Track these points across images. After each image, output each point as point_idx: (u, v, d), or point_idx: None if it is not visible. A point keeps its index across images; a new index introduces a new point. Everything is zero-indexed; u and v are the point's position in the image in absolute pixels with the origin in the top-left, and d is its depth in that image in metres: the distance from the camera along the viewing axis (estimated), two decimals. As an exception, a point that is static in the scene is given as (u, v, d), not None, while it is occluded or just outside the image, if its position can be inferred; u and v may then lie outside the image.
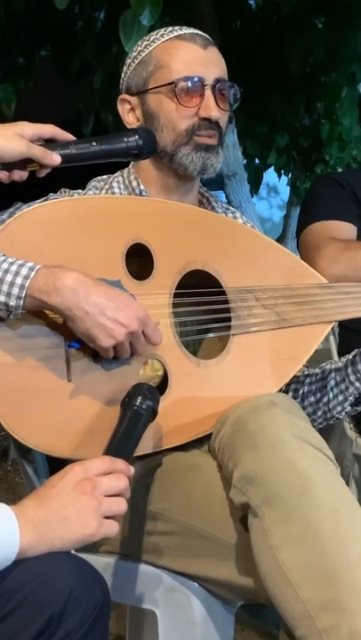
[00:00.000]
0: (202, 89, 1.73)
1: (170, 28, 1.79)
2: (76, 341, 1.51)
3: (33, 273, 1.44)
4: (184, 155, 1.74)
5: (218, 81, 1.74)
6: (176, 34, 1.77)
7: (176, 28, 1.79)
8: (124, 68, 1.84)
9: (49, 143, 1.53)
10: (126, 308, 1.49)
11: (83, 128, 5.25)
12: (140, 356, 1.55)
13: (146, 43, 1.79)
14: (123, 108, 1.83)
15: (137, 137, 1.62)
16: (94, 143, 1.57)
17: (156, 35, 1.79)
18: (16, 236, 1.53)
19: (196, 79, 1.72)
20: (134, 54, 1.81)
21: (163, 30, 1.80)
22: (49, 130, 1.53)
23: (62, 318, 1.49)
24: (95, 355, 1.53)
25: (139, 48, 1.80)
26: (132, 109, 1.81)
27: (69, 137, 1.56)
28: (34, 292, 1.44)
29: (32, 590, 1.21)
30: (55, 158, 1.51)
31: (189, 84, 1.72)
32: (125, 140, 1.61)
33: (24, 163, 1.50)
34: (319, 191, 2.58)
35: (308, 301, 1.73)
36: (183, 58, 1.74)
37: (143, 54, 1.78)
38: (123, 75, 1.84)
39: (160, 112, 1.75)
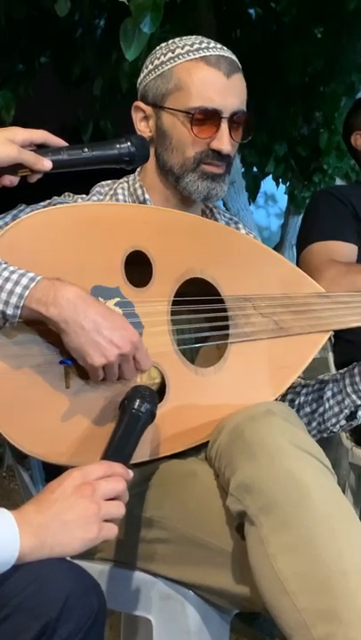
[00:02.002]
0: (218, 121, 1.71)
1: (197, 44, 1.74)
2: (69, 358, 1.50)
3: (33, 283, 1.44)
4: (190, 181, 1.74)
5: (235, 113, 1.72)
6: (202, 54, 1.72)
7: (203, 44, 1.74)
8: (144, 70, 1.80)
9: (41, 149, 1.53)
10: (122, 329, 1.49)
11: (82, 135, 5.25)
12: (127, 381, 1.54)
13: (170, 55, 1.74)
14: (136, 116, 1.81)
15: (129, 144, 1.60)
16: (86, 149, 1.56)
17: (182, 49, 1.74)
18: (16, 242, 1.53)
19: (213, 111, 1.70)
20: (157, 62, 1.76)
21: (189, 44, 1.74)
22: (41, 135, 1.52)
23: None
24: (85, 376, 1.52)
25: (162, 57, 1.76)
26: (146, 118, 1.79)
27: (61, 143, 1.55)
28: (32, 303, 1.44)
29: (28, 596, 1.21)
30: (46, 164, 1.51)
31: (205, 117, 1.70)
32: (118, 146, 1.60)
33: (15, 168, 1.49)
34: (320, 208, 2.58)
35: (306, 310, 1.73)
36: (204, 85, 1.70)
37: (165, 67, 1.74)
38: (141, 77, 1.80)
39: (173, 134, 1.74)
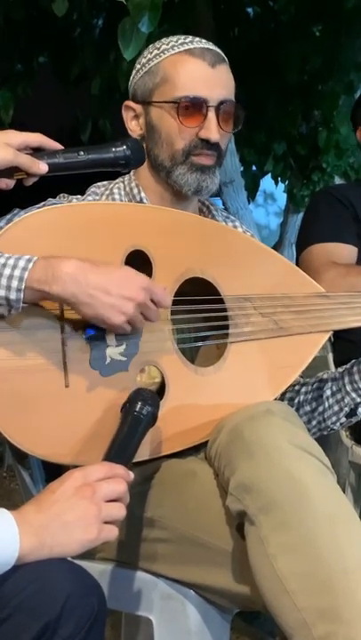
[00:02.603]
0: (205, 109, 1.71)
1: (181, 39, 1.77)
2: (89, 328, 1.51)
3: (31, 264, 1.45)
4: (180, 174, 1.75)
5: (222, 102, 1.73)
6: (186, 47, 1.74)
7: (188, 39, 1.76)
8: (133, 71, 1.82)
9: (36, 152, 1.53)
10: (128, 281, 1.50)
11: (80, 135, 5.25)
12: (154, 322, 1.55)
13: (156, 52, 1.77)
14: (127, 115, 1.82)
15: (125, 147, 1.60)
16: (82, 152, 1.56)
17: (167, 45, 1.76)
18: (14, 243, 1.53)
19: (199, 100, 1.71)
20: (144, 61, 1.79)
21: (174, 40, 1.77)
22: (36, 138, 1.53)
23: (59, 320, 1.50)
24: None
25: (148, 55, 1.78)
26: (136, 117, 1.80)
27: (57, 146, 1.55)
28: (33, 283, 1.44)
29: (28, 596, 1.21)
30: (42, 167, 1.51)
31: (191, 105, 1.71)
32: (113, 150, 1.60)
33: (11, 171, 1.50)
34: (320, 209, 2.58)
35: (306, 310, 1.73)
36: (189, 75, 1.72)
37: (152, 64, 1.76)
38: (131, 78, 1.83)
39: (161, 127, 1.75)
